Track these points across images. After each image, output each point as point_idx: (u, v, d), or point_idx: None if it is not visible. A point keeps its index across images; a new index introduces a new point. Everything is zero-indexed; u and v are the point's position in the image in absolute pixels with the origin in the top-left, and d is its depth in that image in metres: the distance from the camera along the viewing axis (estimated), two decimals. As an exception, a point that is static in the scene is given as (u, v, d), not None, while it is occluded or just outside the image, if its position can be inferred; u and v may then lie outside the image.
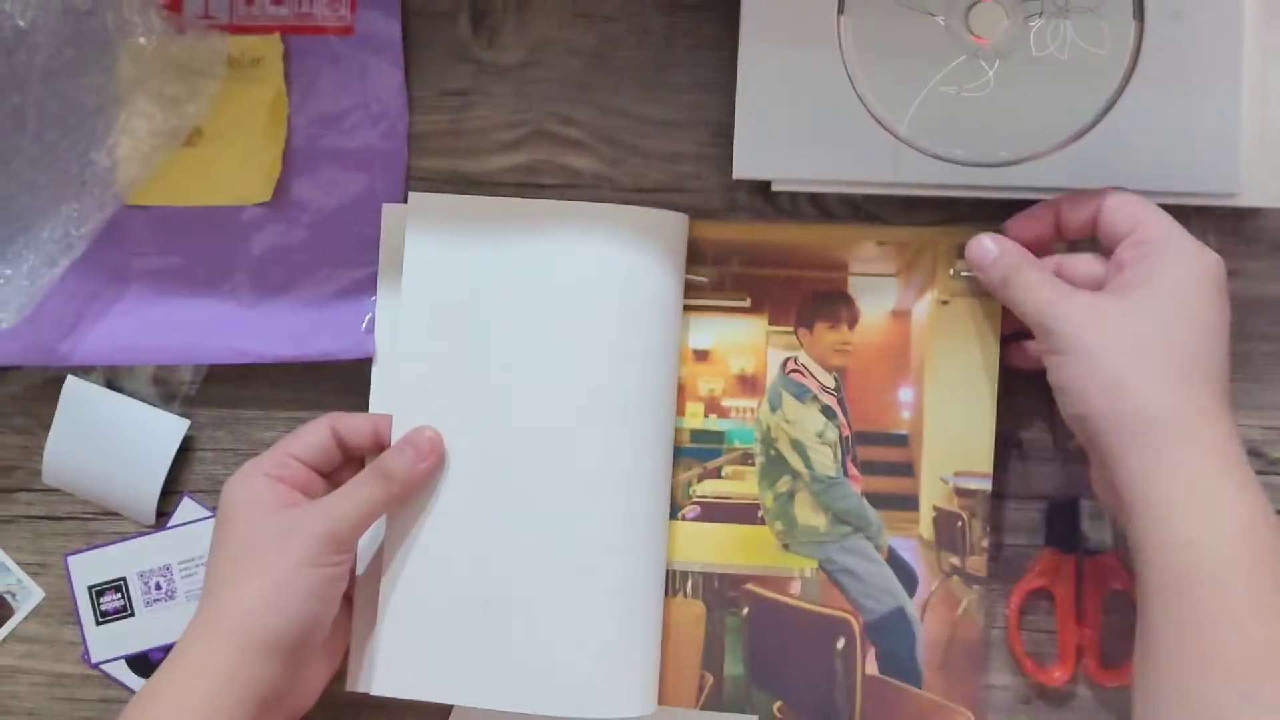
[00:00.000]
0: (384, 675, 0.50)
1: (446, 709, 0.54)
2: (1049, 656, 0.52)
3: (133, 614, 0.55)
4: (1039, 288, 0.46)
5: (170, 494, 0.55)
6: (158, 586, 0.55)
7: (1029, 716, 0.52)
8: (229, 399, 0.55)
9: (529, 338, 0.50)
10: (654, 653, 0.51)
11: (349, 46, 0.55)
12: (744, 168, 0.51)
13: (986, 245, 0.48)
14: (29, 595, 0.56)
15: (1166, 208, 0.52)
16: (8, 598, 0.56)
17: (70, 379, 0.55)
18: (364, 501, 0.48)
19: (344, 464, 0.52)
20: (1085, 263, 0.48)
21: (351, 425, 0.51)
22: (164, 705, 0.45)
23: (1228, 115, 0.49)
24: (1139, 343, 0.43)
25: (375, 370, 0.54)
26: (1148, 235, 0.45)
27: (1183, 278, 0.44)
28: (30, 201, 0.52)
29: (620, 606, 0.50)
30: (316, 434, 0.50)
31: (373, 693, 0.50)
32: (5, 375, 0.56)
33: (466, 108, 0.55)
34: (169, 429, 0.55)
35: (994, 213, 0.52)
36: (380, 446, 0.51)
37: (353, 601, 0.52)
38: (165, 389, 0.55)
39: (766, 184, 0.53)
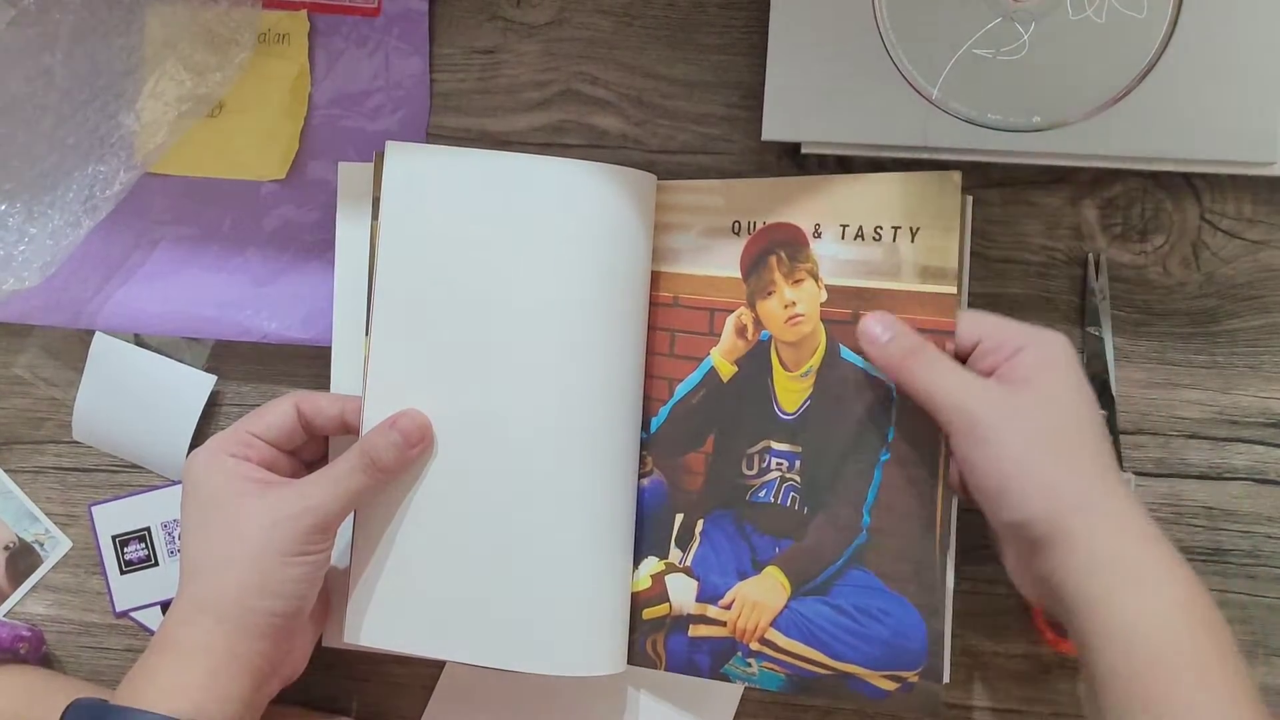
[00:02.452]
0: (359, 628, 0.50)
1: (435, 667, 0.54)
2: (1069, 626, 0.52)
3: (157, 564, 0.56)
4: (948, 373, 0.46)
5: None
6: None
7: (1048, 686, 0.52)
8: (255, 355, 0.56)
9: (501, 290, 0.49)
10: (623, 613, 0.51)
11: (375, 29, 0.54)
12: (774, 129, 0.51)
13: (875, 329, 0.47)
14: (57, 545, 0.57)
15: (1202, 175, 0.51)
16: (36, 547, 0.57)
17: (99, 335, 0.55)
18: (350, 492, 0.47)
19: (307, 441, 0.51)
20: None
21: (317, 406, 0.50)
22: (161, 684, 0.44)
23: (1267, 83, 0.48)
24: (1055, 435, 0.44)
25: (336, 322, 0.53)
26: (1004, 336, 0.46)
27: (1064, 364, 0.45)
28: (58, 161, 0.52)
29: (592, 567, 0.49)
30: (280, 414, 0.49)
31: (349, 643, 0.50)
32: (35, 330, 0.57)
33: (494, 66, 0.54)
34: (196, 384, 0.55)
35: (1027, 178, 0.51)
36: (347, 428, 0.50)
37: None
38: (192, 344, 0.56)
39: (795, 146, 0.52)
